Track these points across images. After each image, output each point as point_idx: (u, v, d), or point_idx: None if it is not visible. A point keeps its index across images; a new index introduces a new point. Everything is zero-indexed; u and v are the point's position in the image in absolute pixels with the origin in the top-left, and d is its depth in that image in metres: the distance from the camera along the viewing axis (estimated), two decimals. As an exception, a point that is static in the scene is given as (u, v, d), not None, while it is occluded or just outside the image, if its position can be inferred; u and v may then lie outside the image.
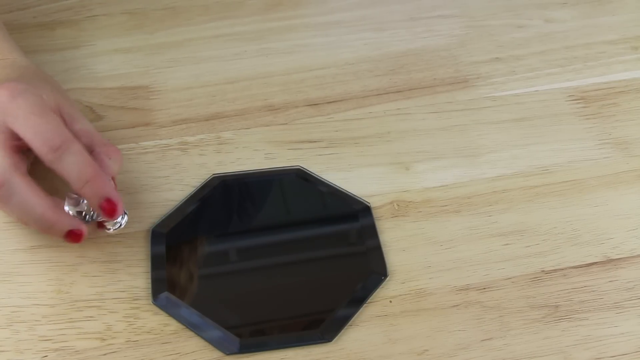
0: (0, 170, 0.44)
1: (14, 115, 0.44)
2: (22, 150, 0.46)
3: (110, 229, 0.47)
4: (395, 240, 0.50)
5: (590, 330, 0.45)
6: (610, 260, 0.49)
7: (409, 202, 0.52)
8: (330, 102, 0.59)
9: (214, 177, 0.53)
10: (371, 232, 0.50)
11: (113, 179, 0.47)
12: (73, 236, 0.45)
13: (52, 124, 0.44)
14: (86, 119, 0.50)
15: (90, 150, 0.47)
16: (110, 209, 0.45)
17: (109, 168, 0.47)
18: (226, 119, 0.57)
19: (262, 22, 0.66)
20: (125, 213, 0.48)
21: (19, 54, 0.54)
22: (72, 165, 0.44)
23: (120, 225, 0.47)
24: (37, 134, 0.44)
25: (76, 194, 0.45)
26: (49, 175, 0.46)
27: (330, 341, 0.44)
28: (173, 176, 0.53)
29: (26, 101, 0.45)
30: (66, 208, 0.46)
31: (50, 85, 0.50)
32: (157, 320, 0.45)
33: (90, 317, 0.45)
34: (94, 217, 0.47)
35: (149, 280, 0.47)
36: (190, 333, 0.45)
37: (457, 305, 0.46)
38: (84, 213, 0.46)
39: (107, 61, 0.62)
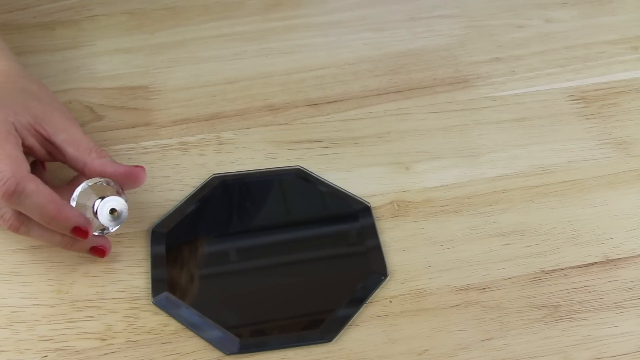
0: (12, 213, 0.44)
1: None
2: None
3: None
4: (395, 240, 0.50)
5: (590, 330, 0.45)
6: (610, 260, 0.49)
7: (409, 202, 0.52)
8: (330, 102, 0.59)
9: (214, 177, 0.53)
10: (371, 232, 0.50)
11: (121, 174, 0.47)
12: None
13: (5, 162, 0.43)
14: (74, 123, 0.49)
15: (79, 162, 0.47)
16: (81, 235, 0.44)
17: (107, 167, 0.47)
18: (226, 119, 0.57)
19: (262, 22, 0.66)
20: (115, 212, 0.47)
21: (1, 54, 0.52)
22: (32, 206, 0.43)
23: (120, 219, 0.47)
24: None
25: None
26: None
27: (330, 341, 0.44)
28: (173, 176, 0.53)
29: None
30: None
31: (28, 94, 0.49)
32: (157, 320, 0.45)
33: (90, 317, 0.45)
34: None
35: (149, 280, 0.47)
36: (190, 333, 0.45)
37: (457, 305, 0.46)
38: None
39: (107, 61, 0.62)
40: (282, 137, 0.56)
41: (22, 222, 0.44)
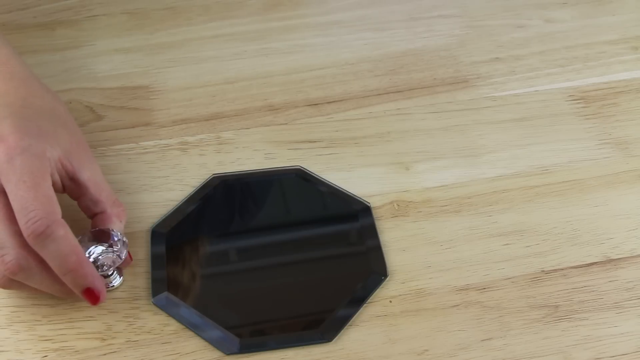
0: (14, 257, 0.41)
1: (8, 178, 0.42)
2: None
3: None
4: (395, 240, 0.50)
5: (590, 330, 0.45)
6: (610, 260, 0.49)
7: (409, 202, 0.52)
8: (330, 102, 0.59)
9: (214, 177, 0.53)
10: (371, 232, 0.50)
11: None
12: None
13: (41, 200, 0.41)
14: (94, 159, 0.48)
15: (99, 206, 0.46)
16: (92, 299, 0.43)
17: (118, 229, 0.46)
18: (226, 119, 0.57)
19: (262, 22, 0.66)
20: (120, 275, 0.47)
21: (17, 62, 0.50)
22: (54, 253, 0.41)
23: (112, 286, 0.46)
24: (23, 209, 0.41)
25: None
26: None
27: (330, 341, 0.44)
28: (173, 176, 0.53)
29: (23, 164, 0.42)
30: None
31: (57, 119, 0.47)
32: (157, 320, 0.45)
33: (90, 317, 0.45)
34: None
35: (149, 280, 0.47)
36: (190, 333, 0.45)
37: (457, 305, 0.46)
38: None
39: (107, 61, 0.62)
40: (282, 137, 0.56)
41: (23, 269, 0.41)
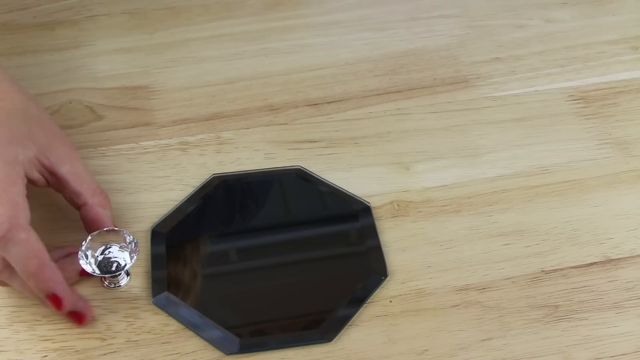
0: None
1: None
2: None
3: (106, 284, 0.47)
4: (395, 240, 0.50)
5: (590, 330, 0.45)
6: (610, 260, 0.49)
7: (409, 202, 0.52)
8: (330, 102, 0.59)
9: (214, 177, 0.53)
10: (371, 232, 0.50)
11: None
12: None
13: (4, 206, 0.41)
14: (75, 152, 0.48)
15: (81, 198, 0.46)
16: (55, 304, 0.42)
17: (105, 219, 0.46)
18: (226, 119, 0.57)
19: (262, 22, 0.66)
20: (128, 274, 0.47)
21: None
22: (16, 256, 0.41)
23: (119, 285, 0.47)
24: None
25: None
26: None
27: (330, 341, 0.44)
28: (173, 176, 0.53)
29: None
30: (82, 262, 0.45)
31: (30, 118, 0.47)
32: (157, 320, 0.45)
33: (90, 317, 0.45)
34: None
35: (149, 280, 0.47)
36: (190, 333, 0.45)
37: (457, 305, 0.46)
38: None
39: (107, 61, 0.62)
40: (282, 137, 0.56)
41: (7, 266, 0.42)
